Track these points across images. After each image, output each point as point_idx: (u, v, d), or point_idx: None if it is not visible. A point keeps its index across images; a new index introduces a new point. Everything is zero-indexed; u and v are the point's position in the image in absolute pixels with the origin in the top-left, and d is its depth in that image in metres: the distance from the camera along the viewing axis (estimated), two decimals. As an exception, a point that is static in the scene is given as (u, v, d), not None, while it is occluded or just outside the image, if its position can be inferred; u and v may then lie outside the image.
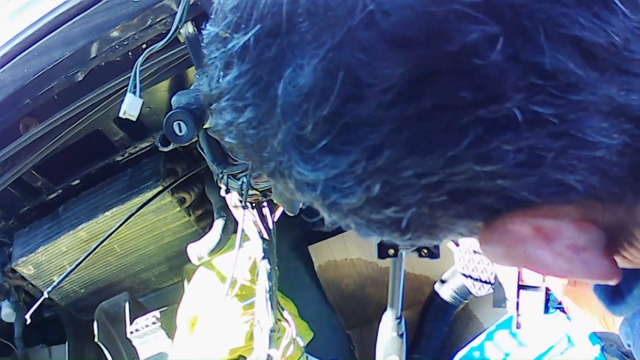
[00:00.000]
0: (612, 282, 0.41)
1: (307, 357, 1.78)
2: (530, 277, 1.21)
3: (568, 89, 0.32)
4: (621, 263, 0.42)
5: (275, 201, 1.42)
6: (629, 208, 0.38)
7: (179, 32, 1.31)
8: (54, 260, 1.98)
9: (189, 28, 1.34)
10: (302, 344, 1.61)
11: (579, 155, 0.34)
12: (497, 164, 0.34)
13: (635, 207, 0.38)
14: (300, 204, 1.45)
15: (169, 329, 1.95)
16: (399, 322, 1.48)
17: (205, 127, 1.25)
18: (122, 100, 1.19)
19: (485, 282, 1.93)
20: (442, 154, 0.34)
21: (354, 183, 0.36)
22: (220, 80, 0.41)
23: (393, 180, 0.35)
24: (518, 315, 1.20)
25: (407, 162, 0.34)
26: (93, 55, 1.45)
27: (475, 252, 1.89)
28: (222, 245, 1.79)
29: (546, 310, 1.19)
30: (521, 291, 1.21)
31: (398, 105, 0.33)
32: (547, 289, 1.19)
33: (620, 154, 0.35)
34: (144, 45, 1.43)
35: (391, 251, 1.04)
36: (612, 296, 0.45)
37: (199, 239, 1.82)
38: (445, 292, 2.13)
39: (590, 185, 0.36)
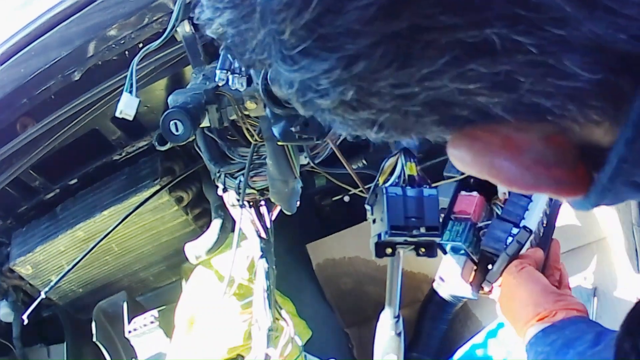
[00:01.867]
0: (578, 198, 0.42)
1: (305, 355, 1.78)
2: (460, 208, 1.21)
3: (552, 22, 0.33)
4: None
5: (272, 200, 1.42)
6: (606, 131, 0.39)
7: (176, 30, 1.31)
8: (52, 260, 1.98)
9: (186, 27, 1.34)
10: (300, 342, 1.61)
11: (557, 85, 0.35)
12: (473, 84, 0.35)
13: (613, 130, 0.38)
14: (298, 203, 1.46)
15: (167, 328, 1.95)
16: (397, 321, 1.48)
17: (202, 126, 1.25)
18: (119, 100, 1.19)
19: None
20: (418, 70, 0.35)
21: (330, 86, 0.37)
22: None
23: (367, 87, 0.36)
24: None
25: (382, 74, 0.35)
26: (90, 54, 1.45)
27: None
28: (219, 244, 1.79)
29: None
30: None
31: (377, 22, 0.33)
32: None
33: (601, 87, 0.35)
34: (141, 44, 1.43)
35: (389, 250, 1.03)
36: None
37: (197, 238, 1.82)
38: (444, 291, 2.13)
39: (567, 110, 0.37)
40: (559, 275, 1.16)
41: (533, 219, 1.18)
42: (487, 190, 1.24)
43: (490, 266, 1.14)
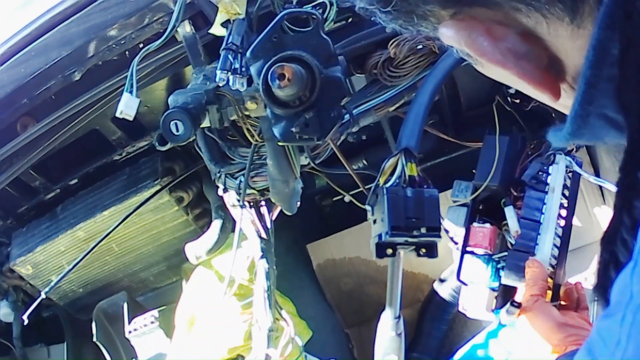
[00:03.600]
0: (546, 98, 0.51)
1: (305, 356, 1.78)
2: (475, 241, 1.22)
3: None
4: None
5: (273, 200, 1.42)
6: (571, 33, 0.46)
7: (176, 31, 1.31)
8: (52, 260, 1.98)
9: (186, 27, 1.34)
10: (300, 343, 1.61)
11: None
12: None
13: (577, 33, 0.45)
14: (298, 203, 1.46)
15: (168, 328, 1.95)
16: (398, 321, 1.48)
17: (202, 126, 1.25)
18: (120, 100, 1.19)
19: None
20: None
21: None
22: None
23: None
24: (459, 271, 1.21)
25: None
26: (90, 54, 1.45)
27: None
28: (220, 244, 1.79)
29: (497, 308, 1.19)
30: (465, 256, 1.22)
31: None
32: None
33: None
34: (141, 45, 1.43)
35: (389, 250, 1.03)
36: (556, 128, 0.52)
37: (197, 238, 1.82)
38: (444, 291, 2.13)
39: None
40: (576, 298, 1.18)
41: (546, 245, 1.19)
42: (496, 218, 1.25)
43: (508, 305, 1.15)
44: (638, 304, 0.37)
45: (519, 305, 1.13)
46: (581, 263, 2.11)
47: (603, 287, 0.44)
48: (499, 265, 1.18)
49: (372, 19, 0.52)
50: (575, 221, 1.60)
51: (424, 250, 1.04)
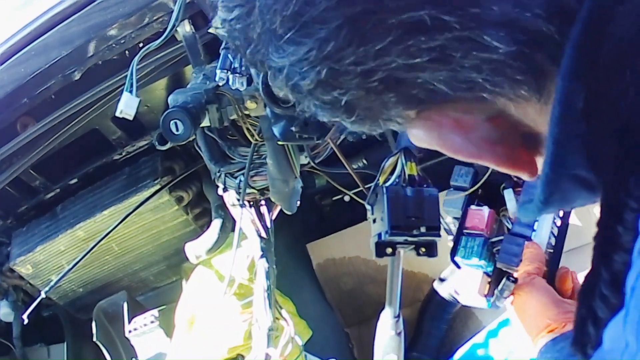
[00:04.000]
0: (525, 175, 0.51)
1: (305, 355, 1.78)
2: (472, 223, 1.22)
3: (468, 3, 0.41)
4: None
5: (272, 199, 1.42)
6: (540, 110, 0.46)
7: (176, 30, 1.31)
8: (52, 260, 1.98)
9: (186, 26, 1.34)
10: (300, 342, 1.61)
11: (481, 57, 0.42)
12: (416, 59, 0.43)
13: (546, 109, 0.44)
14: (298, 203, 1.46)
15: (168, 327, 1.95)
16: (397, 321, 1.48)
17: (202, 125, 1.25)
18: (120, 99, 1.19)
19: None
20: (372, 47, 0.43)
21: (309, 68, 0.46)
22: None
23: (336, 67, 0.45)
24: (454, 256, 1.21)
25: (347, 52, 0.44)
26: (90, 54, 1.45)
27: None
28: (220, 243, 1.79)
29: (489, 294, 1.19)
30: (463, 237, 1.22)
31: (339, 8, 0.43)
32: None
33: (518, 59, 0.42)
34: (141, 44, 1.43)
35: (389, 250, 1.03)
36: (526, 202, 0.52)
37: (197, 238, 1.82)
38: (444, 290, 2.13)
39: (497, 84, 0.44)
40: (571, 284, 1.18)
41: (544, 230, 1.19)
42: (495, 202, 1.25)
43: (504, 279, 1.15)
44: (634, 353, 0.37)
45: (515, 280, 1.13)
46: (581, 262, 2.11)
47: (581, 344, 0.44)
48: (494, 249, 1.18)
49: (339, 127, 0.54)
50: (575, 220, 1.60)
51: (423, 249, 1.04)
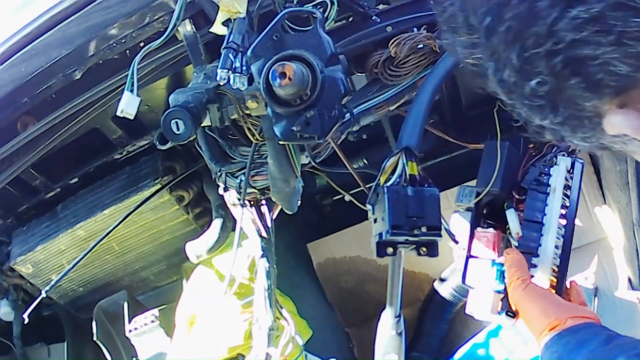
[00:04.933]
0: None
1: (306, 355, 1.78)
2: (480, 247, 1.23)
3: None
4: None
5: (273, 199, 1.41)
6: None
7: (177, 30, 1.31)
8: (53, 259, 1.98)
9: (187, 26, 1.34)
10: (300, 342, 1.61)
11: None
12: (582, 32, 0.45)
13: None
14: (299, 202, 1.46)
15: (168, 327, 1.95)
16: (398, 320, 1.48)
17: (203, 125, 1.25)
18: (120, 99, 1.19)
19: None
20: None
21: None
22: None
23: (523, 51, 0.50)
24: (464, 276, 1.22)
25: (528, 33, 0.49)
26: (91, 53, 1.44)
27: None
28: (220, 243, 1.79)
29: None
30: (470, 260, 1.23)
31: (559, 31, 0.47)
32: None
33: None
34: (142, 44, 1.43)
35: (390, 249, 1.03)
36: None
37: (198, 237, 1.82)
38: (445, 290, 2.13)
39: None
40: (574, 294, 1.19)
41: (549, 245, 1.20)
42: (500, 221, 1.25)
43: (504, 314, 1.16)
44: None
45: (514, 315, 1.14)
46: (581, 262, 2.11)
47: None
48: (503, 268, 1.19)
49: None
50: (575, 221, 1.60)
51: (424, 249, 1.04)
